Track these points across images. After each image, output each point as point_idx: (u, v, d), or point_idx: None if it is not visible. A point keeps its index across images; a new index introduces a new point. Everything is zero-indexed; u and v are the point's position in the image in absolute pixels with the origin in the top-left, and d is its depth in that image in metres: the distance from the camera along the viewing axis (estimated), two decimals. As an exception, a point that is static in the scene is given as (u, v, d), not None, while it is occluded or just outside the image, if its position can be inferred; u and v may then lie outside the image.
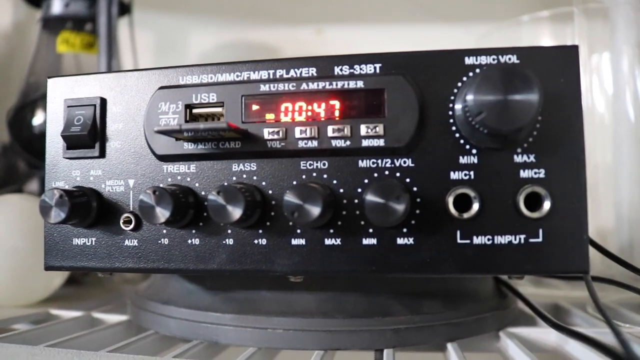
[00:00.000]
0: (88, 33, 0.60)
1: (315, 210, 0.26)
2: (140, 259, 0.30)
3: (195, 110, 0.29)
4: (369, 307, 0.33)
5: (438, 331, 0.33)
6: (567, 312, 0.42)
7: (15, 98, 0.61)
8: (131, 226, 0.30)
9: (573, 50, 0.27)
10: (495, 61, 0.27)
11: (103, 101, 0.31)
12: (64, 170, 0.31)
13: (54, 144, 0.31)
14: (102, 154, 0.31)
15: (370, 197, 0.26)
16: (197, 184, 0.29)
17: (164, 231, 0.30)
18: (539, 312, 0.34)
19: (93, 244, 0.30)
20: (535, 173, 0.27)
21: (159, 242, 0.30)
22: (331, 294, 0.33)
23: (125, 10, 0.63)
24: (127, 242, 0.30)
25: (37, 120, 0.58)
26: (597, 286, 0.48)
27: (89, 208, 0.29)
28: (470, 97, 0.25)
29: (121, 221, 0.30)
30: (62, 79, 0.31)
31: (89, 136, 0.30)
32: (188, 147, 0.29)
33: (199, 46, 0.87)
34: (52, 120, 0.31)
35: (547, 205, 0.27)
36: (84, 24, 0.61)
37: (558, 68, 0.27)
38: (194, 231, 0.29)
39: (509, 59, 0.27)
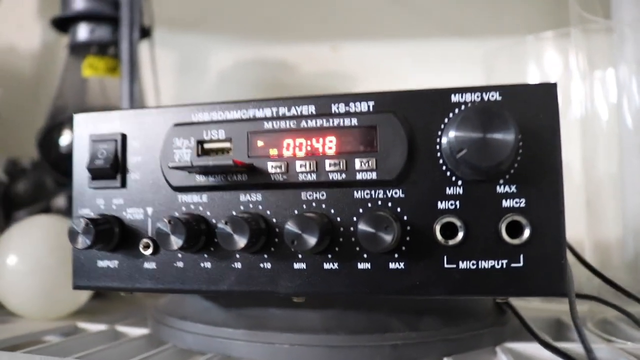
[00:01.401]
0: (111, 57, 0.64)
1: (312, 240, 0.28)
2: (158, 280, 0.33)
3: (206, 146, 0.32)
4: (369, 324, 0.35)
5: (434, 347, 0.35)
6: (569, 327, 0.44)
7: (43, 119, 0.66)
8: (150, 250, 0.33)
9: (552, 87, 0.29)
10: (479, 98, 0.30)
11: (124, 136, 0.34)
12: (89, 198, 0.34)
13: (80, 175, 0.35)
14: (123, 185, 0.34)
15: (362, 227, 0.28)
16: (208, 213, 0.32)
17: (179, 255, 0.33)
18: (529, 329, 0.36)
19: (116, 266, 0.34)
20: (517, 202, 0.29)
21: (175, 265, 0.33)
22: (334, 312, 0.36)
23: (145, 33, 0.67)
24: (146, 265, 0.33)
25: (64, 140, 0.62)
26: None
27: (112, 234, 0.33)
28: (452, 135, 0.27)
29: (141, 246, 0.33)
30: (88, 115, 0.35)
31: (111, 169, 0.33)
32: (200, 180, 0.32)
33: (218, 64, 0.90)
34: (78, 152, 0.35)
35: (527, 232, 0.29)
36: (107, 49, 0.65)
37: (538, 104, 0.29)
38: (205, 255, 0.32)
39: (492, 96, 0.30)
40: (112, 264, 0.34)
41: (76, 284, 0.34)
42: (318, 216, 0.30)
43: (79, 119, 0.35)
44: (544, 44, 0.55)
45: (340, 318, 0.36)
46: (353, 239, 0.31)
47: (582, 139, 0.49)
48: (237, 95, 0.88)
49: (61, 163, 0.62)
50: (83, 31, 0.64)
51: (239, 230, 0.29)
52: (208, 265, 0.32)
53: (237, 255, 0.32)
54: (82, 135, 0.35)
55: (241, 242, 0.29)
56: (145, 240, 0.33)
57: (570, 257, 0.35)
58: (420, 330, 0.35)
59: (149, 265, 0.33)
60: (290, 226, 0.29)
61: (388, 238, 0.28)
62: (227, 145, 0.32)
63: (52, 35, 0.79)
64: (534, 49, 0.56)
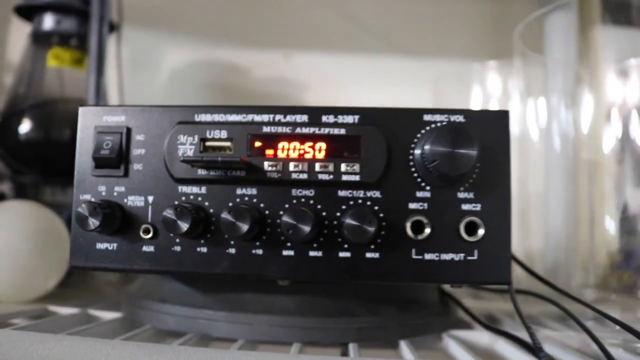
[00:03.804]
0: (75, 49, 0.65)
1: (306, 229, 0.33)
2: (156, 263, 0.36)
3: (207, 143, 0.36)
4: (337, 309, 0.40)
5: (393, 331, 0.41)
6: (498, 320, 0.51)
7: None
8: (149, 235, 0.36)
9: (505, 114, 0.36)
10: (447, 119, 0.36)
11: (129, 130, 0.37)
12: (91, 185, 0.37)
13: (83, 163, 0.37)
14: (126, 174, 0.37)
15: (349, 221, 0.33)
16: (206, 203, 0.36)
17: (177, 240, 0.36)
18: (475, 317, 0.43)
19: (114, 248, 0.37)
20: (474, 207, 0.35)
21: (173, 249, 0.36)
22: (306, 297, 0.41)
23: (112, 28, 0.68)
24: (144, 248, 0.36)
25: (23, 128, 0.63)
26: (523, 299, 0.58)
27: (114, 218, 0.36)
28: (427, 148, 0.33)
29: (140, 230, 0.36)
30: (93, 108, 0.37)
31: (116, 159, 0.36)
32: (201, 173, 0.36)
33: (170, 63, 0.92)
34: (82, 142, 0.37)
35: (481, 231, 0.35)
36: (70, 40, 0.66)
37: (494, 127, 0.36)
38: (202, 241, 0.36)
39: (457, 118, 0.36)
40: (111, 246, 0.37)
41: (74, 264, 0.37)
42: (309, 210, 0.34)
43: (84, 111, 0.38)
44: (488, 71, 0.63)
45: (311, 303, 0.41)
46: (336, 231, 0.36)
47: (517, 157, 0.57)
48: (187, 95, 0.91)
49: (19, 151, 0.63)
50: (49, 21, 0.65)
51: (241, 218, 0.34)
52: (204, 250, 0.36)
53: (232, 242, 0.36)
54: (87, 126, 0.37)
55: (243, 228, 0.33)
56: (145, 225, 0.36)
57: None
58: (380, 316, 0.41)
59: (148, 248, 0.36)
60: (287, 217, 0.33)
61: (371, 230, 0.33)
62: (227, 144, 0.36)
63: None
64: (479, 75, 0.64)
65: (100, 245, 0.37)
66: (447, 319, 0.46)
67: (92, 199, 0.37)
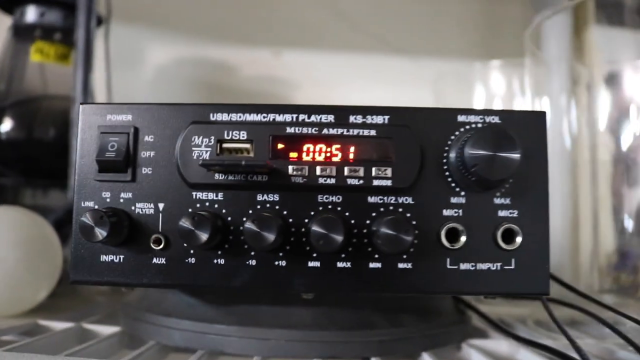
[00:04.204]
0: (60, 43, 0.61)
1: (338, 239, 0.31)
2: (168, 276, 0.33)
3: (225, 145, 0.33)
4: (357, 321, 0.38)
5: (415, 342, 0.39)
6: (511, 325, 0.49)
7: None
8: (160, 246, 0.33)
9: (542, 115, 0.34)
10: (482, 120, 0.34)
11: (136, 130, 0.34)
12: (94, 191, 0.34)
13: (84, 166, 0.34)
14: (134, 179, 0.33)
15: (384, 230, 0.31)
16: (224, 211, 0.33)
17: (192, 251, 0.33)
18: (499, 327, 0.41)
19: (121, 261, 0.33)
20: (510, 213, 0.33)
21: (186, 261, 0.33)
22: (323, 309, 0.38)
23: (100, 21, 0.64)
24: (155, 260, 0.33)
25: (4, 127, 0.58)
26: (526, 304, 0.57)
27: (121, 227, 0.32)
28: (467, 151, 0.31)
29: (151, 241, 0.33)
30: (95, 106, 0.34)
31: (123, 162, 0.33)
32: (219, 178, 0.33)
33: (155, 60, 0.88)
34: (83, 143, 0.34)
35: (519, 239, 0.33)
36: (54, 34, 0.62)
37: (530, 128, 0.34)
38: (219, 252, 0.33)
39: (493, 118, 0.34)
40: (117, 258, 0.33)
41: (74, 279, 0.33)
42: (339, 217, 0.32)
43: (85, 109, 0.34)
44: (491, 71, 0.61)
45: (329, 315, 0.38)
46: (366, 240, 0.33)
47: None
48: (173, 93, 0.87)
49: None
50: (31, 13, 0.61)
51: (266, 228, 0.31)
52: (222, 261, 0.33)
53: (252, 253, 0.33)
54: (89, 126, 0.34)
55: (269, 239, 0.30)
56: (156, 235, 0.33)
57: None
58: (401, 327, 0.39)
59: (158, 260, 0.33)
60: (317, 227, 0.31)
61: (408, 240, 0.31)
62: (246, 146, 0.33)
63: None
64: (481, 74, 0.62)
65: (105, 258, 0.33)
66: (465, 328, 0.44)
67: (96, 207, 0.33)
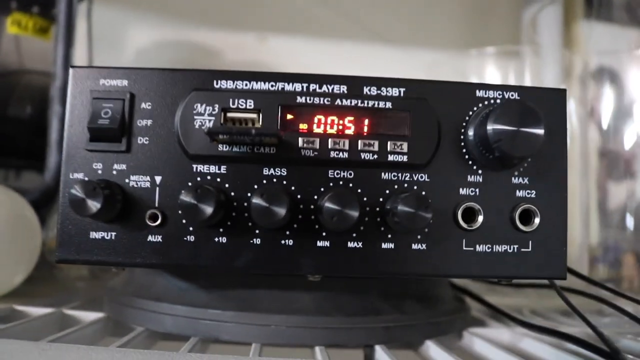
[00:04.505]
0: (39, 16, 0.57)
1: (354, 214, 0.28)
2: (164, 255, 0.30)
3: (230, 114, 0.31)
4: (361, 306, 0.36)
5: (420, 329, 0.37)
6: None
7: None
8: (157, 223, 0.30)
9: (563, 92, 0.33)
10: (501, 95, 0.32)
11: (132, 96, 0.31)
12: (84, 161, 0.31)
13: (74, 135, 0.31)
14: (128, 149, 0.31)
15: (402, 207, 0.29)
16: (227, 185, 0.31)
17: (190, 228, 0.31)
18: (502, 312, 0.40)
19: (113, 238, 0.30)
20: (528, 193, 0.32)
21: (185, 239, 0.31)
22: (325, 294, 0.36)
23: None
24: (150, 238, 0.31)
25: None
26: (520, 292, 0.56)
27: (115, 201, 0.30)
28: (490, 127, 0.29)
29: (146, 217, 0.30)
30: (87, 69, 0.31)
31: (117, 130, 0.30)
32: (222, 149, 0.30)
33: (135, 42, 0.84)
34: (73, 109, 0.31)
35: (537, 220, 0.31)
36: (32, 7, 0.58)
37: (550, 106, 0.32)
38: (221, 230, 0.31)
39: (512, 94, 0.32)
40: (109, 235, 0.30)
41: (61, 257, 0.30)
42: (353, 193, 0.30)
43: (75, 72, 0.31)
44: (486, 58, 0.60)
45: (332, 300, 0.36)
46: (378, 219, 0.31)
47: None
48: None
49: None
50: (7, -18, 0.57)
51: (276, 203, 0.28)
52: (223, 240, 0.31)
53: (257, 231, 0.31)
54: (80, 91, 0.31)
55: (279, 214, 0.28)
56: (152, 210, 0.30)
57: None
58: (407, 314, 0.37)
59: (154, 238, 0.30)
60: (331, 203, 0.29)
61: (428, 217, 0.29)
62: (253, 116, 0.31)
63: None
64: (476, 62, 0.61)
65: (95, 235, 0.31)
66: (467, 316, 0.42)
67: (86, 179, 0.31)
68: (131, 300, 0.37)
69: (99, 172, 0.31)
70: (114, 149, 0.31)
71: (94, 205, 0.28)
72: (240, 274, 0.34)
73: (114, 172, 0.31)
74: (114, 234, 0.31)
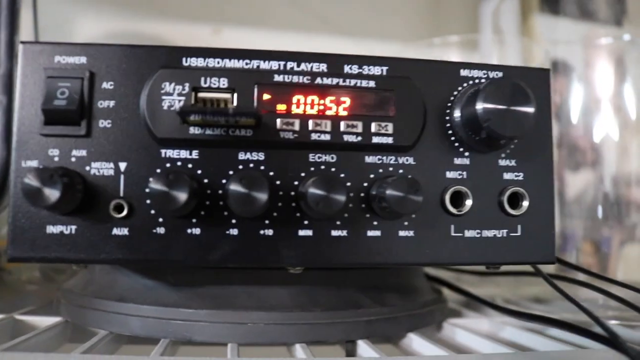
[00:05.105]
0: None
1: (341, 199, 0.27)
2: (132, 250, 0.28)
3: (201, 94, 0.28)
4: (340, 300, 0.34)
5: (401, 322, 0.35)
6: (475, 305, 0.47)
7: None
8: (123, 213, 0.27)
9: (546, 72, 0.32)
10: (486, 75, 0.31)
11: (92, 75, 0.28)
12: (38, 148, 0.28)
13: (26, 118, 0.28)
14: (89, 133, 0.28)
15: (391, 191, 0.27)
16: (199, 171, 0.28)
17: (160, 220, 0.28)
18: (482, 300, 0.39)
19: (73, 232, 0.27)
20: (516, 176, 0.31)
21: (154, 231, 0.28)
22: (301, 288, 0.34)
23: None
24: (115, 231, 0.28)
25: None
26: (491, 282, 0.55)
27: (75, 191, 0.27)
28: (479, 106, 0.28)
29: (110, 208, 0.27)
30: (40, 45, 0.28)
31: (76, 112, 0.27)
32: (194, 132, 0.28)
33: (84, 34, 0.80)
34: (24, 90, 0.28)
35: (525, 204, 0.30)
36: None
37: (534, 86, 0.31)
38: (194, 220, 0.28)
39: (497, 74, 0.31)
40: (68, 229, 0.27)
41: (13, 255, 0.27)
42: (336, 176, 0.28)
43: (27, 48, 0.28)
44: (450, 47, 0.60)
45: (309, 294, 0.34)
46: (363, 205, 0.29)
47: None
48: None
49: None
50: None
51: (256, 187, 0.26)
52: (197, 231, 0.28)
53: (234, 220, 0.28)
54: (33, 70, 0.28)
55: (261, 199, 0.26)
56: (117, 201, 0.28)
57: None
58: (387, 306, 0.35)
59: (120, 231, 0.28)
60: (315, 187, 0.27)
61: (419, 200, 0.27)
62: (226, 95, 0.28)
63: None
64: (440, 51, 0.60)
65: (53, 229, 0.27)
66: (445, 307, 0.41)
67: (41, 166, 0.27)
68: (91, 301, 0.34)
69: (56, 159, 0.28)
70: (72, 132, 0.28)
71: (51, 194, 0.25)
72: (213, 268, 0.32)
73: (73, 159, 0.28)
74: (74, 227, 0.27)
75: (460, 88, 0.31)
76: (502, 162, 0.31)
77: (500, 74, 0.31)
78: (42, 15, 0.74)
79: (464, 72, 0.31)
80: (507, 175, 0.31)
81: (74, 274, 0.41)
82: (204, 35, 0.83)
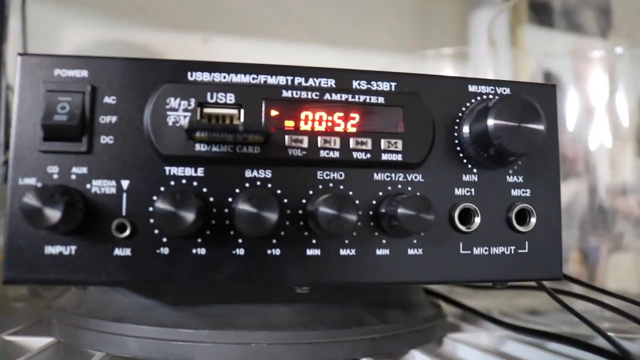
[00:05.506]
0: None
1: (352, 218, 0.26)
2: (134, 271, 0.27)
3: (207, 110, 0.27)
4: (344, 318, 0.33)
5: (405, 338, 0.35)
6: (473, 319, 0.47)
7: None
8: (125, 233, 0.26)
9: (553, 88, 0.32)
10: (493, 90, 0.31)
11: (94, 89, 0.27)
12: (37, 164, 0.26)
13: (24, 134, 0.26)
14: (90, 150, 0.27)
15: (402, 210, 0.27)
16: (205, 189, 0.27)
17: (164, 240, 0.27)
18: (482, 315, 0.38)
19: (72, 253, 0.26)
20: (523, 192, 0.31)
21: (158, 251, 0.27)
22: (305, 307, 0.33)
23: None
24: (117, 252, 0.27)
25: None
26: (487, 295, 0.55)
27: (75, 210, 0.25)
28: (490, 122, 0.28)
29: (112, 227, 0.26)
30: (40, 57, 0.27)
31: (77, 127, 0.26)
32: (200, 149, 0.27)
33: (73, 42, 0.78)
34: (22, 104, 0.26)
35: (533, 220, 0.30)
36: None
37: (541, 102, 0.31)
38: (199, 240, 0.27)
39: (504, 90, 0.31)
40: (67, 250, 0.26)
41: (9, 277, 0.26)
42: (348, 195, 0.27)
43: (25, 60, 0.27)
44: (443, 59, 0.60)
45: (315, 313, 0.33)
46: (372, 223, 0.29)
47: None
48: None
49: None
50: None
51: (266, 207, 0.25)
52: (202, 251, 0.27)
53: (240, 240, 0.27)
54: (31, 83, 0.27)
55: (271, 220, 0.25)
56: (119, 220, 0.26)
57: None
58: (391, 323, 0.35)
59: (122, 252, 0.27)
60: (326, 207, 0.26)
61: (431, 218, 0.27)
62: (233, 111, 0.28)
63: None
64: (433, 63, 0.60)
65: (52, 249, 0.26)
66: (445, 322, 0.41)
67: (39, 184, 0.26)
68: (86, 321, 0.33)
69: (55, 176, 0.26)
70: (72, 149, 0.26)
71: (53, 215, 0.24)
72: (219, 289, 0.31)
73: (73, 177, 0.27)
74: (73, 247, 0.26)
75: (468, 104, 0.30)
76: (510, 179, 0.31)
77: (507, 90, 0.31)
78: (31, 21, 0.72)
79: (472, 88, 0.31)
80: (515, 192, 0.30)
81: (65, 290, 0.39)
82: (192, 44, 0.82)
